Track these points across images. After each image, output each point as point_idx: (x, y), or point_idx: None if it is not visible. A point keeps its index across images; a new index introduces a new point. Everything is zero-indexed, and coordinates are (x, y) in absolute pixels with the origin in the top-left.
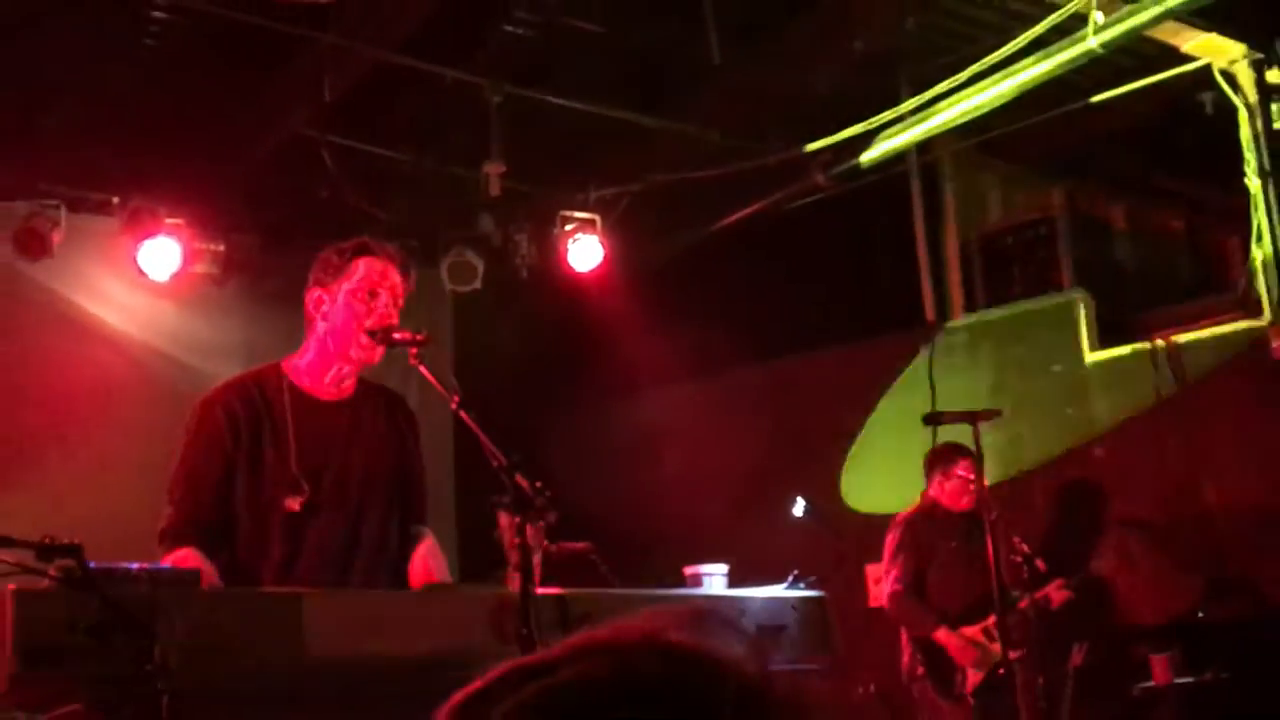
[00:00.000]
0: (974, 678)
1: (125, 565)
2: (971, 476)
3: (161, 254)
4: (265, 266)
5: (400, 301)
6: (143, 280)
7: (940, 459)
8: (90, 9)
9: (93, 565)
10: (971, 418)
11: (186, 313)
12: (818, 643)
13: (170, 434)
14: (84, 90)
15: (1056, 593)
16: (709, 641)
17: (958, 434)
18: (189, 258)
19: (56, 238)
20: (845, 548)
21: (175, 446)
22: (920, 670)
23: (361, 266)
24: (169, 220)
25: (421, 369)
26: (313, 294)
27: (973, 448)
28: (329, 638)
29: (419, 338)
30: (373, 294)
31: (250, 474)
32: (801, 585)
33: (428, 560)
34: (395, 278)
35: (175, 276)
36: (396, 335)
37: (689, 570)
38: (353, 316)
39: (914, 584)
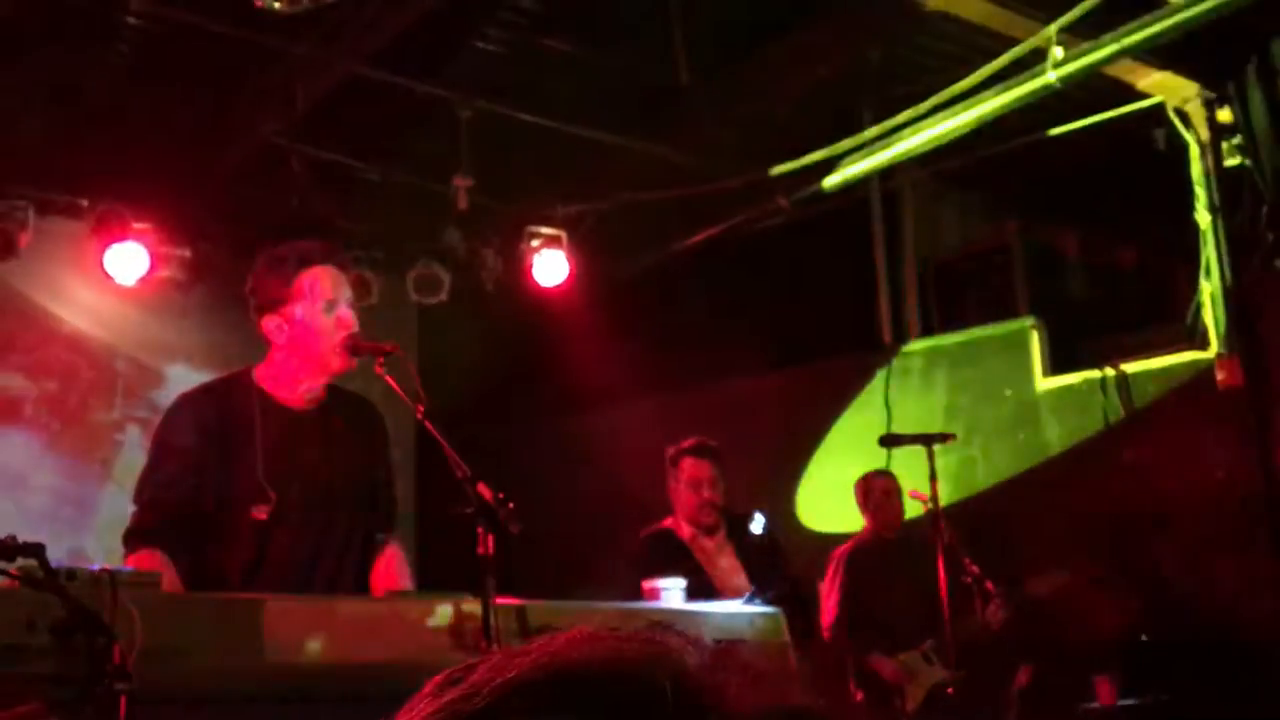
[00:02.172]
0: (914, 698)
1: (87, 566)
2: (894, 496)
3: (128, 258)
4: (232, 273)
5: (353, 298)
6: (109, 283)
7: (862, 485)
8: (64, 14)
9: (54, 565)
10: (926, 440)
11: (151, 317)
12: (774, 658)
13: (133, 436)
14: (56, 94)
15: (995, 615)
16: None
17: (911, 455)
18: (156, 263)
19: (24, 239)
20: (799, 565)
21: (138, 448)
22: (859, 696)
23: (307, 281)
24: (136, 225)
25: (388, 379)
26: (269, 320)
27: (891, 471)
28: (289, 643)
29: (386, 347)
30: (330, 305)
31: (218, 479)
32: (758, 601)
33: (391, 568)
34: (339, 277)
35: (141, 281)
36: (365, 345)
37: (647, 584)
38: (319, 335)
39: (850, 612)
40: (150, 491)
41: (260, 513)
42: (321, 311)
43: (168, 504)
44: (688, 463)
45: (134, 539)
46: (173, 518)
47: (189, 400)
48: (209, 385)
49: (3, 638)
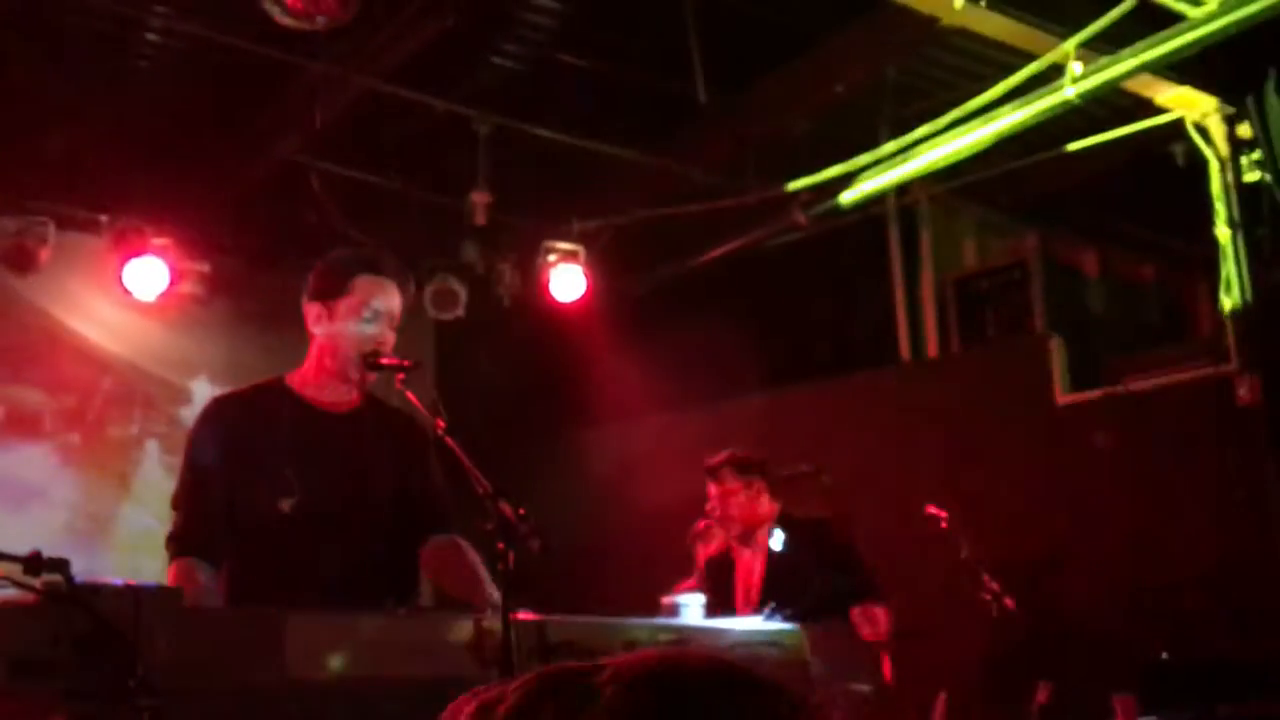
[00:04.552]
0: None
1: (110, 581)
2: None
3: (148, 273)
4: (250, 287)
5: (397, 321)
6: (128, 298)
7: (695, 535)
8: (85, 31)
9: (78, 580)
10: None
11: (171, 331)
12: (794, 675)
13: (152, 451)
14: (76, 110)
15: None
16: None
17: (930, 470)
18: (175, 277)
19: (44, 254)
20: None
21: (157, 463)
22: None
23: (362, 285)
24: (156, 240)
25: (408, 394)
26: (311, 308)
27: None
28: (311, 657)
29: (406, 363)
30: (373, 316)
31: (247, 478)
32: (779, 617)
33: (456, 556)
34: (395, 297)
35: (161, 296)
36: (384, 360)
37: (665, 600)
38: (351, 340)
39: None
40: (188, 495)
41: (285, 505)
42: (362, 318)
43: (207, 506)
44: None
45: (174, 545)
46: (213, 520)
47: (219, 403)
48: (239, 390)
49: (27, 652)
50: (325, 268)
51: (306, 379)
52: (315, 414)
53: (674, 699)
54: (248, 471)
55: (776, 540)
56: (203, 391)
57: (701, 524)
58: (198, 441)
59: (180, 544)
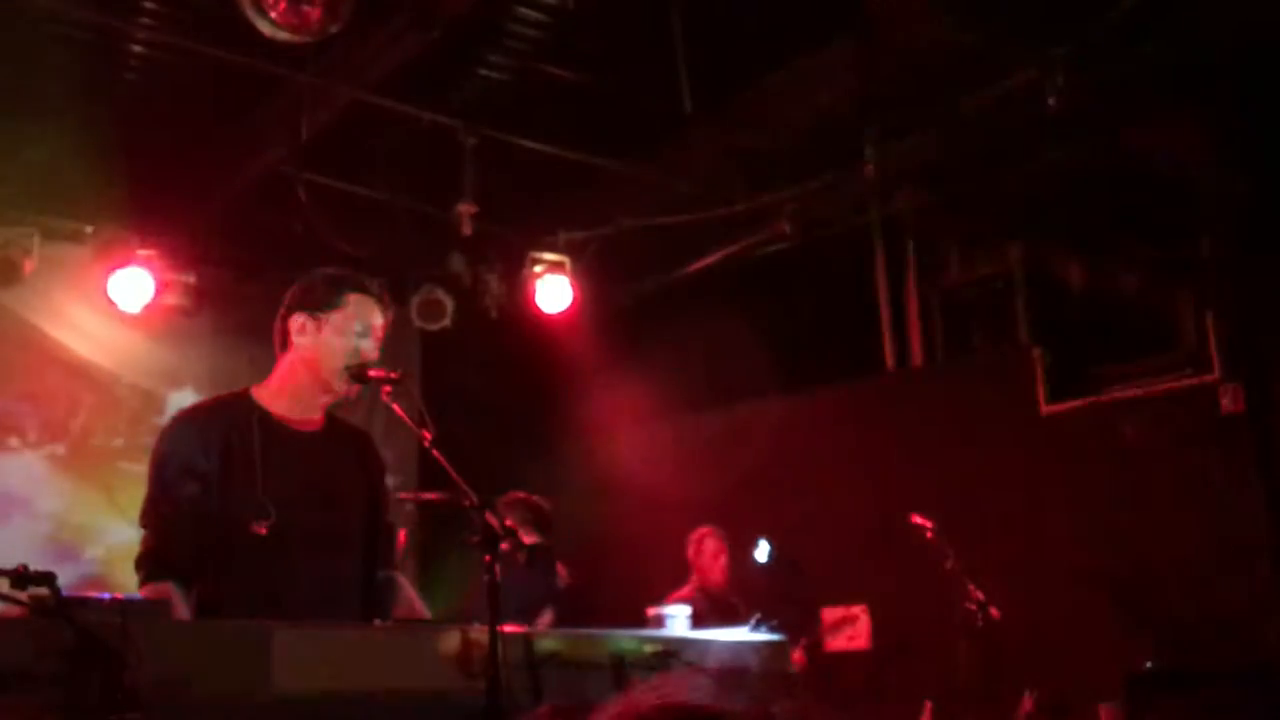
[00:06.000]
0: None
1: (97, 595)
2: (721, 556)
3: (133, 284)
4: (236, 299)
5: (381, 340)
6: (113, 309)
7: (694, 543)
8: (70, 41)
9: (65, 594)
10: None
11: (155, 343)
12: (778, 686)
13: (136, 462)
14: (61, 121)
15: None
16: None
17: (913, 480)
18: (160, 289)
19: (29, 265)
20: (805, 591)
21: (141, 475)
22: None
23: (353, 302)
24: (141, 251)
25: (394, 406)
26: (295, 319)
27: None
28: (297, 671)
29: (393, 375)
30: (362, 332)
31: (218, 496)
32: (763, 628)
33: (414, 606)
34: (380, 317)
35: (146, 307)
36: (371, 372)
37: (651, 611)
38: (338, 352)
39: None
40: (154, 516)
41: (261, 528)
42: (353, 333)
43: (176, 524)
44: None
45: (144, 567)
46: (183, 537)
47: (185, 419)
48: (204, 402)
49: (14, 666)
50: (314, 282)
51: (275, 393)
52: (285, 432)
53: None
54: (219, 490)
55: (762, 552)
56: (187, 403)
57: (698, 532)
58: (165, 457)
59: (152, 566)
